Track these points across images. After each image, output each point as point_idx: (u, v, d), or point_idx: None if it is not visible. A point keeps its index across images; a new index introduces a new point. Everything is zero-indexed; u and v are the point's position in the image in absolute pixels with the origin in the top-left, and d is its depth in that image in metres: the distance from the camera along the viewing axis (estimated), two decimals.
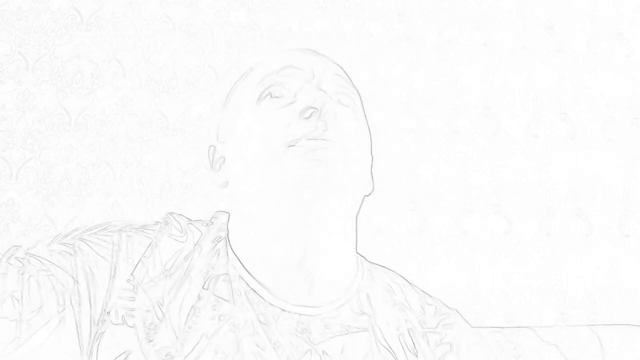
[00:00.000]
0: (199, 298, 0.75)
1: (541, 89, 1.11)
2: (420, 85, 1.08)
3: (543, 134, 1.09)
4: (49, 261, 0.74)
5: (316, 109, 0.75)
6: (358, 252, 0.84)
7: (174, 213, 0.84)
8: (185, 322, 0.73)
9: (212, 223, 0.83)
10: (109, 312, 0.73)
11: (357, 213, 0.82)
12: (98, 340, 0.72)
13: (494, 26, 1.12)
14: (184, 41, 1.06)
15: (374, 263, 0.87)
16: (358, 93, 0.84)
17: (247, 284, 0.76)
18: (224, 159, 0.83)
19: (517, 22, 1.12)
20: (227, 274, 0.77)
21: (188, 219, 0.83)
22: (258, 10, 1.08)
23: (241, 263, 0.77)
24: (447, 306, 0.86)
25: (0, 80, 1.02)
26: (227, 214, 0.84)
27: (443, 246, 1.04)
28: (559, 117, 1.10)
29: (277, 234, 0.76)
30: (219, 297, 0.75)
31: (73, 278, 0.73)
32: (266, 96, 0.78)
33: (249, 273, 0.77)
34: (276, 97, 0.78)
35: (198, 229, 0.82)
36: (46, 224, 0.98)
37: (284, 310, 0.75)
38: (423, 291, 0.86)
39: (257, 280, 0.76)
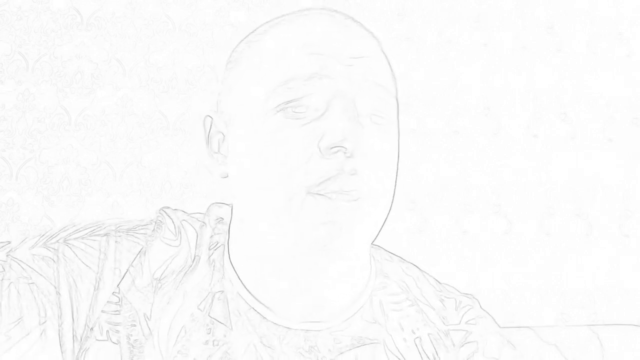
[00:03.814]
0: (192, 319, 0.68)
1: (541, 89, 1.11)
2: (420, 85, 1.08)
3: (543, 134, 1.09)
4: (30, 267, 0.68)
5: (345, 148, 0.63)
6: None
7: (168, 208, 0.75)
8: (175, 345, 0.66)
9: (204, 223, 0.74)
10: (92, 328, 0.67)
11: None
12: (83, 358, 0.66)
13: (494, 26, 1.12)
14: (184, 41, 1.06)
15: (382, 248, 0.79)
16: (396, 95, 0.72)
17: (246, 302, 0.68)
18: (224, 137, 0.72)
19: (517, 22, 1.12)
20: (222, 291, 0.69)
21: (184, 212, 0.75)
22: (258, 10, 1.08)
23: (240, 279, 0.69)
24: (464, 295, 0.78)
25: (0, 80, 1.01)
26: (225, 208, 0.75)
27: (443, 246, 1.03)
28: (559, 117, 1.10)
29: (280, 269, 0.68)
30: (214, 319, 0.68)
31: (55, 288, 0.67)
32: (286, 108, 0.65)
33: (249, 291, 0.69)
34: (298, 112, 0.65)
35: (193, 227, 0.73)
36: (46, 224, 0.98)
37: (289, 328, 0.68)
38: (436, 280, 0.78)
39: (258, 300, 0.68)
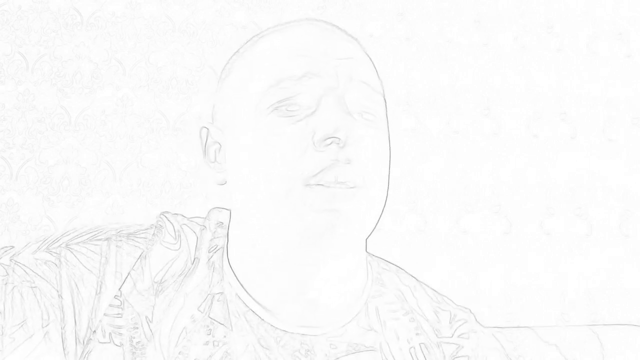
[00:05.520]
0: (193, 320, 0.69)
1: (541, 89, 1.11)
2: (420, 85, 1.08)
3: (543, 134, 1.09)
4: (33, 272, 0.69)
5: (339, 139, 0.65)
6: (368, 251, 0.78)
7: (168, 213, 0.77)
8: (176, 345, 0.68)
9: (205, 227, 0.75)
10: (95, 331, 0.68)
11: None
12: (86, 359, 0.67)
13: (494, 26, 1.12)
14: (184, 41, 1.06)
15: (380, 258, 0.82)
16: (382, 94, 0.74)
17: (245, 304, 0.70)
18: (220, 146, 0.74)
19: (517, 22, 1.12)
20: (222, 292, 0.70)
21: (183, 217, 0.77)
22: (258, 10, 1.08)
23: (239, 281, 0.71)
24: (460, 308, 0.80)
25: (0, 80, 1.01)
26: (225, 213, 0.77)
27: (443, 246, 1.04)
28: (559, 117, 1.10)
29: (279, 266, 0.69)
30: (214, 320, 0.69)
31: (57, 291, 0.69)
32: (280, 107, 0.68)
33: (248, 293, 0.70)
34: (291, 110, 0.68)
35: (193, 231, 0.75)
36: (46, 224, 0.98)
37: (286, 331, 0.69)
38: (433, 290, 0.80)
39: (256, 301, 0.70)
